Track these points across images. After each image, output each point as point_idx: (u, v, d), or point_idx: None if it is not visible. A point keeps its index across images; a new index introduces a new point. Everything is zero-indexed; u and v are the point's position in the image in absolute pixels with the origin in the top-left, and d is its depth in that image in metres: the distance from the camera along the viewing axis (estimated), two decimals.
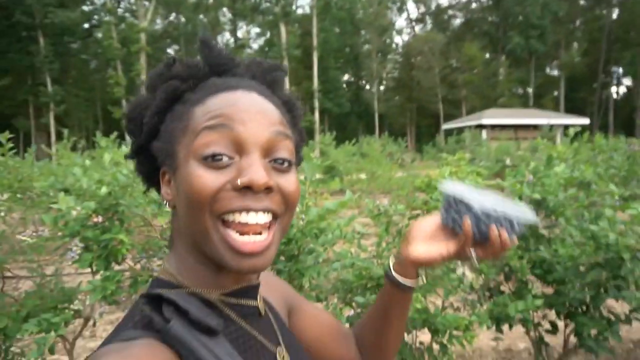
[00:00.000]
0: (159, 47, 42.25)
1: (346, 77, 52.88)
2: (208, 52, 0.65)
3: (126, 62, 34.07)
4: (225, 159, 0.56)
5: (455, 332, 1.94)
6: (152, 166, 0.65)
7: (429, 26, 58.15)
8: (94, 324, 2.55)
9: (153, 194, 2.08)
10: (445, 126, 36.00)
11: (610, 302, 2.26)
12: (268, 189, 0.56)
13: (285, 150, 0.60)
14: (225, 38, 51.56)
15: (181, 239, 0.63)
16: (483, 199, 0.71)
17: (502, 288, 2.43)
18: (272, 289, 0.78)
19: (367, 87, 52.08)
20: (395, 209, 2.57)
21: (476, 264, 0.69)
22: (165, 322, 0.52)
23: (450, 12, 57.73)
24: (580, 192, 2.43)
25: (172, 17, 47.04)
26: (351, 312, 2.07)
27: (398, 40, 59.17)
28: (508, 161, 10.76)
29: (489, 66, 50.19)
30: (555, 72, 53.57)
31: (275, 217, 0.59)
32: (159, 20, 45.68)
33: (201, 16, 47.28)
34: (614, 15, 48.47)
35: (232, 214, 0.56)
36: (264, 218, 0.57)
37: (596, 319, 2.21)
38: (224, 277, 0.62)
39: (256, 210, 0.56)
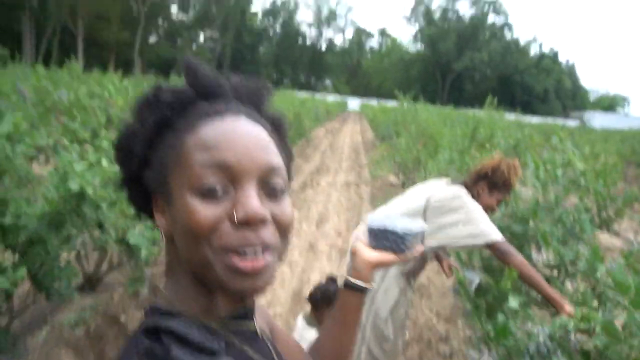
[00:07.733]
0: None
1: None
2: (194, 77, 0.64)
3: None
4: (220, 192, 0.56)
5: None
6: (144, 195, 0.65)
7: None
8: None
9: None
10: None
11: None
12: (263, 221, 0.57)
13: (277, 177, 0.60)
14: None
15: (180, 267, 0.62)
16: (396, 223, 0.90)
17: None
18: (257, 311, 0.81)
19: None
20: None
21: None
22: (166, 351, 0.52)
23: None
24: None
25: None
26: None
27: None
28: None
29: None
30: None
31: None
32: None
33: None
34: None
35: (233, 248, 0.56)
36: (261, 254, 0.57)
37: None
38: (222, 302, 0.62)
39: (254, 245, 0.56)
